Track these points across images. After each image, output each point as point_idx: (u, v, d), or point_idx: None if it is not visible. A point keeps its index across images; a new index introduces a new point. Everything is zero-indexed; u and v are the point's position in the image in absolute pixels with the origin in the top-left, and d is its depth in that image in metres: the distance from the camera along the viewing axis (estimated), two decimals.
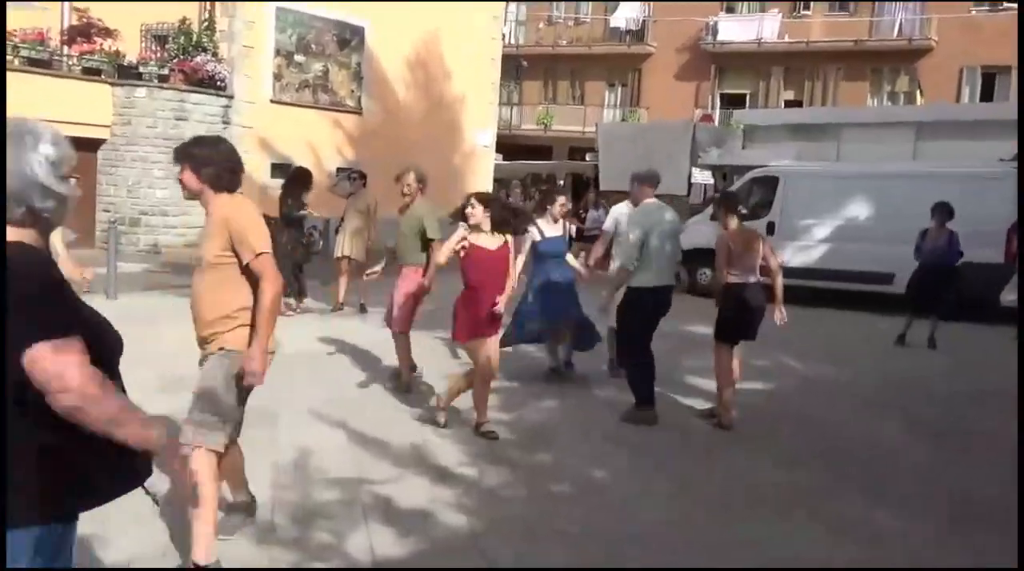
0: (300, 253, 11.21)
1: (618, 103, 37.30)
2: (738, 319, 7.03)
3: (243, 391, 3.95)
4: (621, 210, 8.48)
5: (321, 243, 16.91)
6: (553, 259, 8.01)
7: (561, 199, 8.26)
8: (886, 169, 15.31)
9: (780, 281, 7.18)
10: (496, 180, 25.43)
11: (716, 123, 29.84)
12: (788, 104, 32.38)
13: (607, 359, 8.64)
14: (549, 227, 8.05)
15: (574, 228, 19.03)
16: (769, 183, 15.69)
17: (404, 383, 7.62)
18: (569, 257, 8.34)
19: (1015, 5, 26.94)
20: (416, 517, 4.79)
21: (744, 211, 7.31)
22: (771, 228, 15.13)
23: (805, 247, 14.99)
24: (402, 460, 5.72)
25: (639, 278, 6.82)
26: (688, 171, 21.02)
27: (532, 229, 7.88)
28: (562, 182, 29.81)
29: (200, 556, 3.78)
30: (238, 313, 3.89)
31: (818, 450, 6.50)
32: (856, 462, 6.23)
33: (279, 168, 19.65)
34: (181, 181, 3.94)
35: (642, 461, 6.04)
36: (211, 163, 3.88)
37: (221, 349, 3.91)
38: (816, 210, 15.06)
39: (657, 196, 7.24)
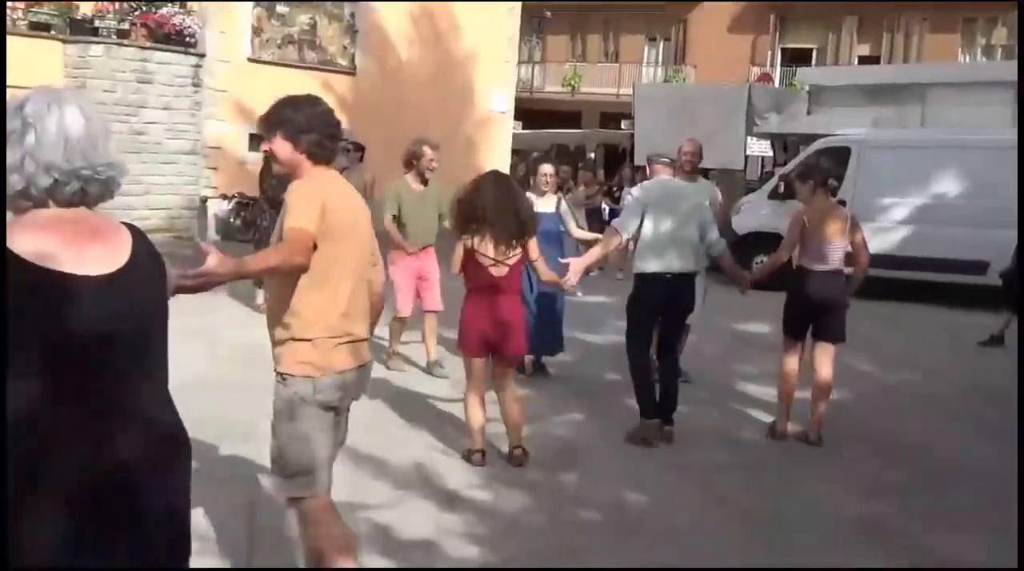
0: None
1: (659, 60, 37.24)
2: (804, 310, 7.06)
3: (311, 421, 3.68)
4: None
5: None
6: (542, 239, 7.64)
7: (545, 168, 8.66)
8: (980, 138, 15.18)
9: (861, 275, 7.21)
10: (515, 152, 25.45)
11: (776, 84, 29.82)
12: (863, 61, 32.24)
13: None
14: (538, 201, 8.22)
15: (607, 208, 19.06)
16: (839, 155, 15.56)
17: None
18: (575, 230, 8.65)
19: None
20: (419, 548, 4.82)
21: (835, 184, 7.39)
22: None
23: (883, 230, 14.89)
24: (404, 482, 5.76)
25: (639, 262, 6.96)
26: (744, 141, 20.99)
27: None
28: (592, 154, 29.86)
29: None
30: (290, 321, 3.67)
31: (899, 475, 6.48)
32: (945, 490, 6.21)
33: (258, 139, 19.72)
34: (271, 152, 3.80)
35: (686, 484, 6.05)
36: (312, 128, 3.73)
37: (277, 372, 3.74)
38: (896, 187, 14.97)
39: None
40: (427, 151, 8.16)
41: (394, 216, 8.55)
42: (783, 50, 34.46)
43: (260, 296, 11.13)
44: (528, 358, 8.52)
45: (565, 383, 8.34)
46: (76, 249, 2.15)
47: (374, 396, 7.71)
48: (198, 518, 4.95)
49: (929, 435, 7.48)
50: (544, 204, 8.36)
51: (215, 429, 6.46)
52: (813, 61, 33.15)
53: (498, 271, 6.03)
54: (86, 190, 2.22)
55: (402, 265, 8.57)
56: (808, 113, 21.53)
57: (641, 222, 6.84)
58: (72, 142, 2.19)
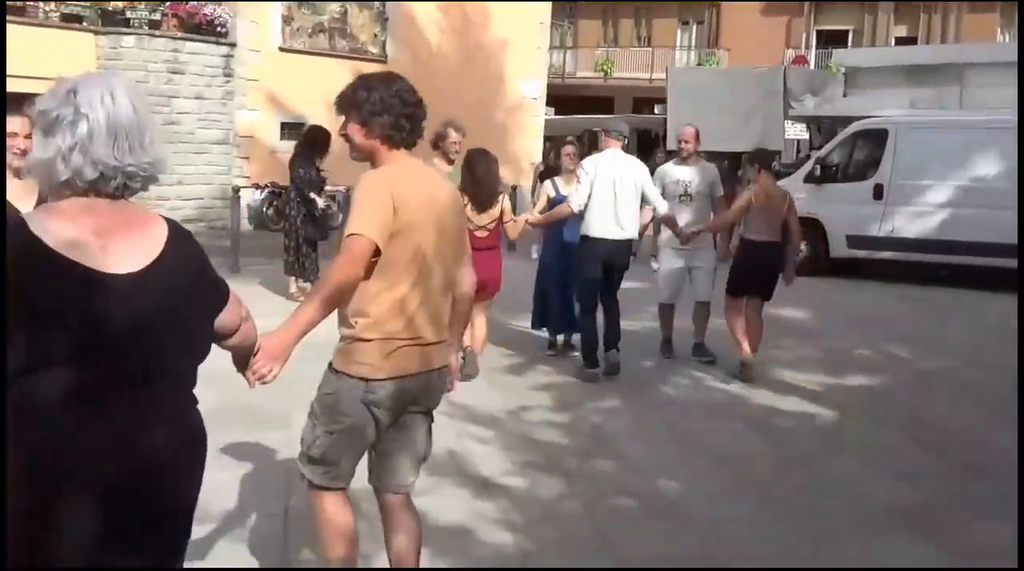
0: (311, 228, 11.26)
1: (692, 44, 37.01)
2: (747, 274, 8.24)
3: (340, 422, 3.54)
4: (665, 171, 9.14)
5: (341, 216, 17.07)
6: (565, 222, 8.51)
7: (567, 149, 9.17)
8: (1019, 119, 14.97)
9: (797, 245, 8.58)
10: (547, 138, 25.40)
11: (811, 66, 29.58)
12: (900, 41, 31.89)
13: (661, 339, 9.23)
14: (564, 184, 8.82)
15: None
16: (876, 137, 15.47)
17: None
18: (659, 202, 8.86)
19: None
20: (455, 535, 4.85)
21: (778, 168, 8.35)
22: (879, 191, 14.95)
23: (920, 214, 14.77)
24: (438, 468, 5.77)
25: (586, 226, 7.96)
26: (782, 122, 20.87)
27: (547, 184, 9.11)
28: (626, 139, 29.69)
29: None
30: (354, 319, 3.44)
31: (936, 461, 6.44)
32: (982, 477, 6.16)
33: (290, 127, 19.86)
34: (347, 138, 3.58)
35: (722, 471, 6.04)
36: (387, 110, 3.49)
37: (330, 365, 3.59)
38: (934, 170, 14.80)
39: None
40: (451, 133, 8.20)
41: None
42: (818, 32, 34.16)
43: (293, 285, 11.20)
44: (559, 338, 9.13)
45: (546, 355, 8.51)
46: (106, 242, 2.14)
47: None
48: (232, 506, 5.02)
49: (967, 422, 7.42)
50: (570, 187, 8.54)
51: (248, 417, 6.53)
52: (849, 42, 32.85)
53: (480, 233, 7.47)
54: (129, 185, 2.23)
55: None
56: (844, 95, 21.40)
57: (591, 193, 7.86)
58: (121, 137, 2.18)
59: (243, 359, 2.83)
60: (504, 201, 7.80)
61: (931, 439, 6.92)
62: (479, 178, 7.58)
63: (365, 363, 3.42)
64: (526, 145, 24.64)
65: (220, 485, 5.28)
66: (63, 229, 2.11)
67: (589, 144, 26.21)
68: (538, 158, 21.94)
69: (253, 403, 6.84)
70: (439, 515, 5.07)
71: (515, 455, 6.11)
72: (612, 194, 7.83)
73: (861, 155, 15.71)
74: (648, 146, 26.35)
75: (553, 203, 8.67)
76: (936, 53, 23.80)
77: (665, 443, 6.53)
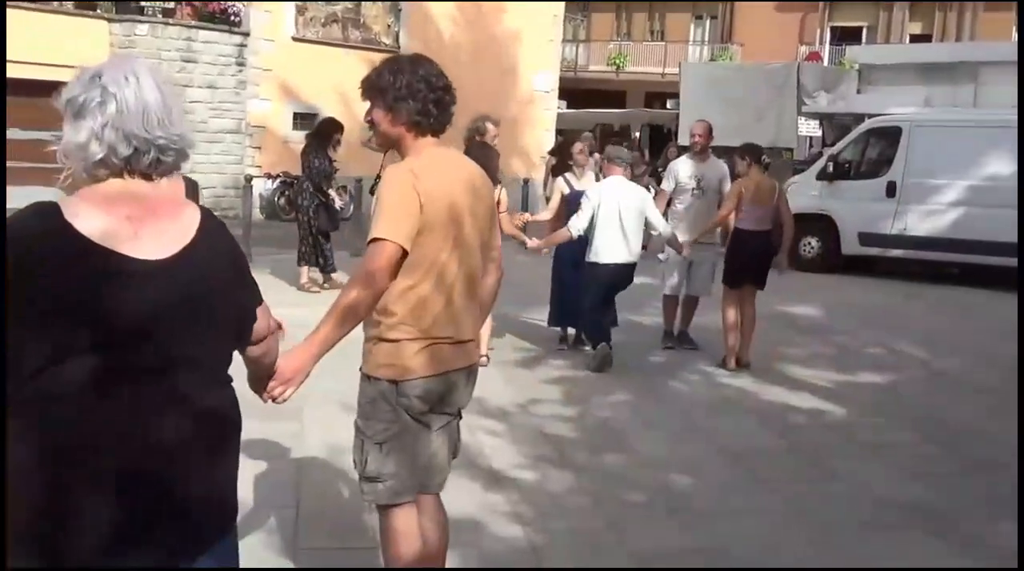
0: (323, 219, 11.26)
1: (706, 39, 36.94)
2: (741, 264, 8.44)
3: (385, 431, 3.40)
4: (678, 166, 9.30)
5: (352, 207, 17.08)
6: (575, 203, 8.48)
7: (579, 146, 9.21)
8: None
9: (789, 234, 8.68)
10: (559, 132, 25.39)
11: (825, 62, 29.49)
12: (914, 39, 31.78)
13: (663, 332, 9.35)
14: (577, 179, 8.89)
15: (652, 190, 18.95)
16: (890, 135, 15.42)
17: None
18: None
19: None
20: (464, 527, 4.83)
21: (767, 160, 8.78)
22: (891, 189, 14.90)
23: (933, 213, 14.71)
24: None
25: (592, 252, 8.08)
26: (796, 119, 20.82)
27: (559, 181, 9.02)
28: (637, 134, 29.72)
29: None
30: (380, 318, 3.32)
31: (947, 459, 6.42)
32: (993, 476, 6.14)
33: (302, 117, 19.88)
34: (371, 124, 3.45)
35: (734, 467, 6.03)
36: (413, 95, 3.32)
37: (361, 371, 3.47)
38: (948, 168, 14.74)
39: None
40: (490, 128, 8.19)
41: None
42: (832, 28, 34.05)
43: (304, 275, 11.21)
44: (570, 331, 9.05)
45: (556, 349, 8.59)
46: (138, 228, 2.13)
47: None
48: (243, 498, 5.02)
49: (978, 420, 7.39)
50: (583, 183, 8.66)
51: (259, 409, 6.52)
52: (863, 39, 32.72)
53: None
54: (161, 159, 2.22)
55: None
56: (858, 92, 21.32)
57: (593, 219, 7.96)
58: (150, 112, 2.20)
59: (259, 377, 2.78)
60: (500, 193, 7.57)
61: (942, 437, 6.90)
62: None
63: (393, 364, 3.31)
64: (538, 138, 24.62)
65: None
66: (96, 214, 2.10)
67: (601, 139, 26.25)
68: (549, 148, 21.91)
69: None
70: (449, 508, 5.05)
71: (525, 448, 6.11)
72: (618, 219, 7.94)
73: (874, 153, 15.66)
74: (660, 141, 26.30)
75: (568, 199, 8.66)
76: (951, 51, 23.73)
77: (675, 438, 6.52)
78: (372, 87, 3.38)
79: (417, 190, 3.19)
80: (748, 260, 8.43)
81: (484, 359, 7.52)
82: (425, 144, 3.37)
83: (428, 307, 3.28)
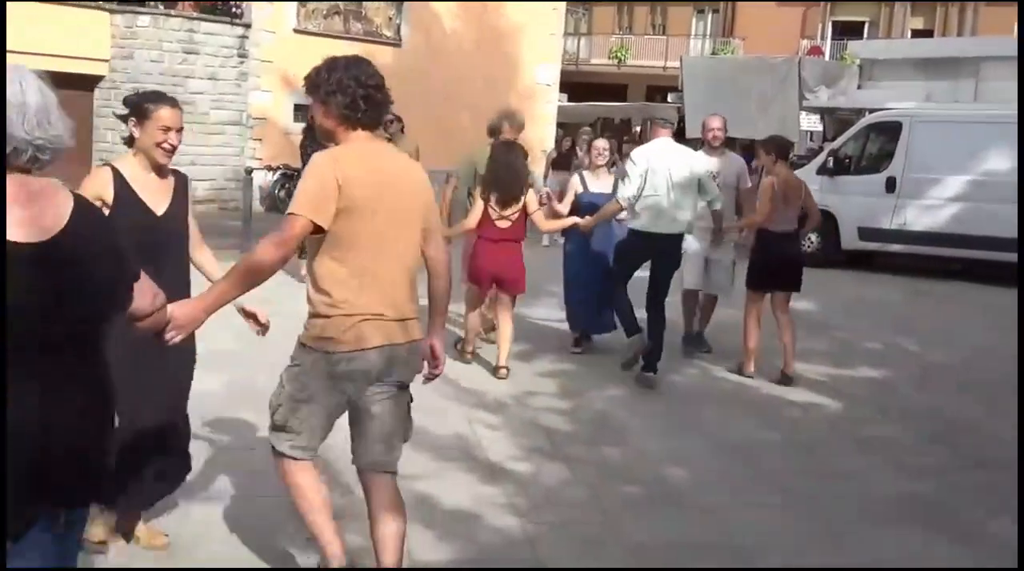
0: None
1: (707, 33, 36.91)
2: (771, 268, 7.92)
3: (303, 392, 3.66)
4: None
5: None
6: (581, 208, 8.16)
7: (600, 144, 8.69)
8: None
9: (810, 229, 8.52)
10: (560, 125, 25.38)
11: (826, 57, 29.45)
12: (915, 34, 31.76)
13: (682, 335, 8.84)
14: (593, 179, 8.45)
15: None
16: (890, 130, 15.43)
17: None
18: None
19: None
20: (460, 519, 4.86)
21: (795, 156, 8.14)
22: (891, 184, 14.91)
23: (933, 208, 14.72)
24: (445, 453, 5.80)
25: (637, 221, 7.53)
26: (797, 114, 20.80)
27: (573, 178, 8.67)
28: (638, 128, 29.70)
29: None
30: (315, 297, 3.61)
31: (943, 454, 6.44)
32: (988, 470, 6.16)
33: (304, 110, 19.83)
34: (315, 118, 3.71)
35: (730, 461, 6.05)
36: (343, 90, 3.57)
37: (299, 339, 3.71)
38: (948, 163, 14.74)
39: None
40: (505, 126, 8.20)
41: (468, 188, 8.36)
42: (834, 23, 34.01)
43: (304, 267, 11.23)
44: (574, 335, 8.72)
45: (606, 358, 8.32)
46: (14, 212, 2.26)
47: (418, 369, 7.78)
48: (237, 488, 5.05)
49: (975, 415, 7.41)
50: (600, 184, 8.37)
51: (256, 400, 6.54)
52: (865, 34, 32.70)
53: (504, 224, 7.50)
54: (39, 157, 2.38)
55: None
56: (859, 87, 21.30)
57: (643, 186, 7.39)
58: (30, 115, 2.35)
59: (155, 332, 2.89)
60: (530, 193, 7.55)
61: (939, 431, 6.92)
62: (498, 175, 7.45)
63: (327, 337, 3.53)
64: (539, 132, 24.57)
65: (226, 467, 5.32)
66: None
67: (602, 132, 26.24)
68: (550, 145, 21.90)
69: (261, 387, 6.85)
70: (445, 499, 5.09)
71: (522, 441, 6.13)
72: (666, 186, 7.35)
73: (874, 148, 15.66)
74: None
75: (581, 202, 8.24)
76: (952, 46, 23.68)
77: (672, 431, 6.53)
78: (311, 82, 3.69)
79: (336, 174, 3.44)
80: (777, 265, 7.90)
81: (504, 371, 7.57)
82: (356, 137, 3.61)
83: (358, 285, 3.52)
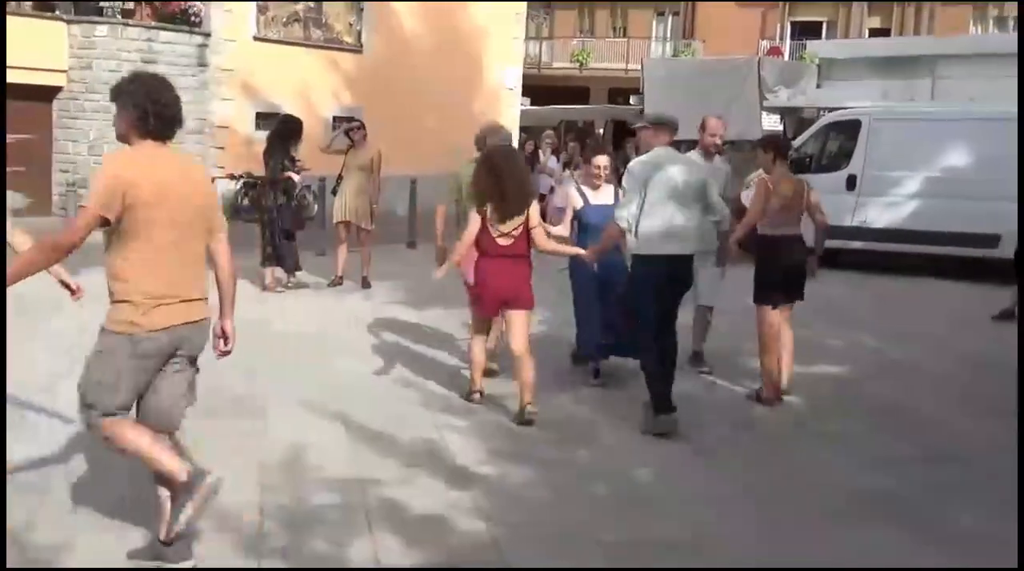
0: (287, 218, 11.23)
1: (668, 35, 37.13)
2: (777, 276, 7.32)
3: (122, 365, 4.06)
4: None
5: (316, 207, 17.04)
6: (595, 233, 7.18)
7: (601, 160, 7.69)
8: (991, 111, 15.12)
9: (822, 235, 7.66)
10: (523, 129, 25.43)
11: (786, 57, 29.68)
12: (873, 33, 32.10)
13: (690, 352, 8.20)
14: (593, 193, 7.61)
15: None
16: (849, 128, 15.57)
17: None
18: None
19: None
20: (428, 523, 4.87)
21: (794, 155, 7.49)
22: (851, 182, 15.04)
23: (893, 205, 14.88)
24: (412, 458, 5.81)
25: (639, 244, 6.53)
26: (759, 110, 20.98)
27: (572, 192, 7.72)
28: (601, 130, 29.79)
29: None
30: (113, 285, 4.07)
31: (906, 448, 6.50)
32: (951, 464, 6.23)
33: (265, 118, 19.77)
34: (114, 120, 4.18)
35: (694, 459, 6.09)
36: (138, 103, 4.06)
37: (101, 326, 4.13)
38: (906, 160, 14.91)
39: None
40: (492, 141, 7.52)
41: (456, 201, 7.82)
42: (793, 23, 34.30)
43: (269, 275, 11.18)
44: (593, 366, 7.84)
45: (574, 360, 8.36)
46: None
47: (384, 374, 7.78)
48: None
49: (934, 410, 7.48)
50: (600, 197, 7.53)
51: (222, 407, 6.54)
52: (823, 34, 32.99)
53: (504, 241, 6.60)
54: None
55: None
56: (818, 86, 21.48)
57: (642, 202, 6.46)
58: None
59: None
60: (533, 206, 6.67)
61: (899, 426, 6.99)
62: (503, 188, 6.51)
63: (129, 321, 3.99)
64: None
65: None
66: None
67: (565, 135, 26.32)
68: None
69: (228, 394, 6.87)
70: (414, 504, 5.10)
71: (489, 444, 6.14)
72: (669, 201, 6.46)
73: (834, 146, 15.80)
74: (624, 137, 26.40)
75: (582, 221, 7.52)
76: (908, 45, 23.93)
77: (637, 434, 6.55)
78: (116, 89, 4.16)
79: (121, 173, 3.94)
80: (781, 272, 7.29)
81: (531, 408, 6.55)
82: (145, 144, 4.11)
83: (151, 273, 4.01)
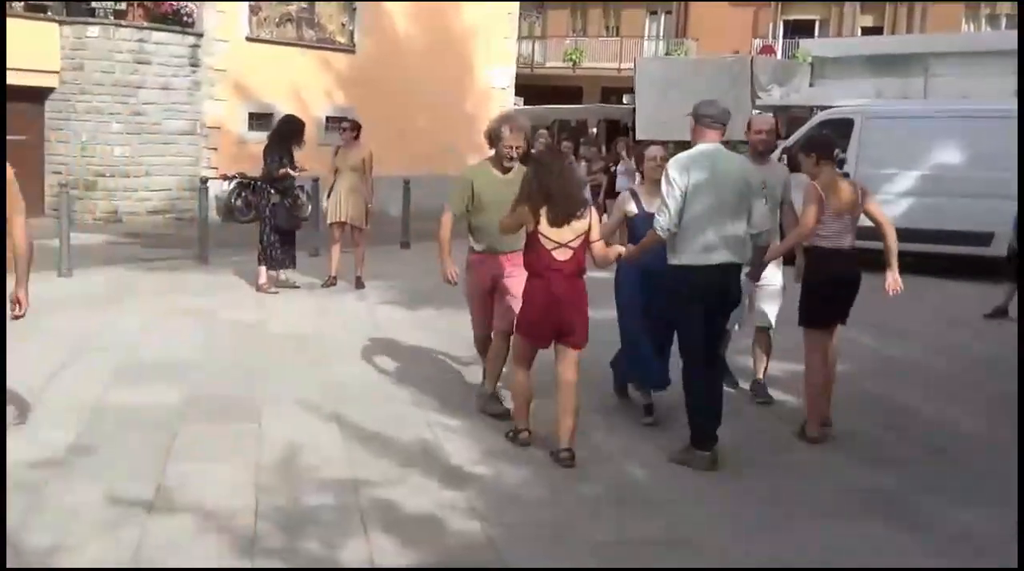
0: (283, 218, 11.21)
1: (661, 34, 37.17)
2: (823, 294, 6.50)
3: None
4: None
5: (309, 207, 17.03)
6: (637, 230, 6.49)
7: (655, 151, 6.72)
8: (984, 108, 15.15)
9: (892, 242, 6.76)
10: None
11: (778, 56, 29.71)
12: (866, 32, 32.14)
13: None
14: (648, 198, 6.51)
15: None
16: (842, 126, 15.56)
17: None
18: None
19: None
20: (422, 524, 4.87)
21: (841, 156, 6.61)
22: None
23: (885, 203, 14.61)
24: (407, 459, 5.81)
25: (680, 254, 5.82)
26: (750, 112, 21.00)
27: (626, 196, 6.82)
28: (595, 130, 29.83)
29: None
30: None
31: (900, 446, 6.51)
32: (946, 461, 6.25)
33: (258, 118, 19.79)
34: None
35: None
36: None
37: None
38: (899, 158, 14.92)
39: (725, 142, 6.15)
40: (505, 133, 6.45)
41: (468, 210, 6.63)
42: (785, 22, 34.33)
43: (263, 275, 11.16)
44: (644, 401, 6.89)
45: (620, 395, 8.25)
46: None
47: (379, 375, 7.77)
48: (200, 499, 5.02)
49: (929, 407, 7.50)
50: (657, 202, 5.97)
51: (217, 410, 6.54)
52: (816, 33, 33.04)
53: (561, 254, 5.73)
54: None
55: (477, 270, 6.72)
56: (811, 85, 21.53)
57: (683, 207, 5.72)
58: None
59: None
60: (592, 215, 5.84)
61: (894, 424, 7.01)
62: (550, 192, 5.66)
63: None
64: None
65: (188, 478, 5.30)
66: None
67: (558, 135, 26.33)
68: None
69: (222, 396, 6.87)
70: (408, 504, 5.10)
71: (482, 444, 6.13)
72: (715, 204, 5.73)
73: None
74: (617, 136, 26.43)
75: (634, 224, 6.59)
76: (901, 43, 24.01)
77: (630, 432, 6.55)
78: None
79: None
80: (830, 288, 6.50)
81: (567, 456, 5.77)
82: None
83: None
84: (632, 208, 6.60)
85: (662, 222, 5.72)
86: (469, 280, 6.75)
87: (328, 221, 11.88)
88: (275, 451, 5.82)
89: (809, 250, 6.58)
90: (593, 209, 5.89)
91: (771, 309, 7.37)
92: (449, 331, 9.14)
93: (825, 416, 6.55)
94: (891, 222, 6.73)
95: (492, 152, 6.62)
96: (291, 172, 11.06)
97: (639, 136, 21.15)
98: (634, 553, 4.65)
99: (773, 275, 7.18)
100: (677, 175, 5.71)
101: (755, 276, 6.54)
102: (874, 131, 15.16)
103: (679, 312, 5.96)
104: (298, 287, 11.51)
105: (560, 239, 5.69)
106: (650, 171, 6.61)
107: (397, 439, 6.14)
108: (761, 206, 5.98)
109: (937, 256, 14.50)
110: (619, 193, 9.01)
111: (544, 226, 5.67)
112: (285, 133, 11.21)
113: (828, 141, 6.87)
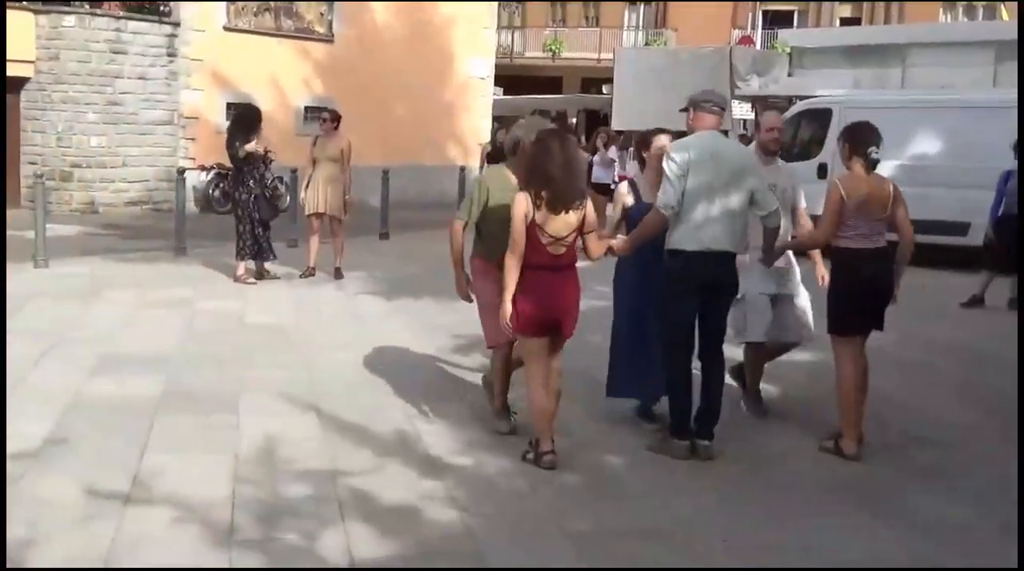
0: (262, 209, 11.18)
1: (640, 25, 37.18)
2: (852, 297, 6.13)
3: None
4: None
5: (288, 197, 16.97)
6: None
7: (663, 140, 6.25)
8: (961, 98, 15.24)
9: (908, 250, 6.38)
10: (496, 118, 25.40)
11: (757, 46, 29.76)
12: (844, 22, 32.24)
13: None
14: (649, 189, 6.24)
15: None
16: (821, 117, 15.64)
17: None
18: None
19: None
20: (401, 514, 4.86)
21: (875, 156, 6.21)
22: (823, 170, 15.10)
23: None
24: (385, 449, 5.80)
25: (675, 236, 5.77)
26: (729, 101, 21.06)
27: (625, 187, 6.53)
28: (574, 120, 29.82)
29: None
30: None
31: (880, 435, 6.52)
32: (925, 450, 6.28)
33: (236, 108, 19.68)
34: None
35: None
36: None
37: None
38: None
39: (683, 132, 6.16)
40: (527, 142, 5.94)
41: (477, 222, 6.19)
42: (764, 12, 34.39)
43: (241, 267, 11.12)
44: (628, 403, 6.67)
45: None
46: None
47: (357, 365, 7.76)
48: (177, 490, 5.00)
49: (905, 397, 7.53)
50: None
51: (195, 402, 6.51)
52: (794, 23, 33.12)
53: (556, 249, 5.49)
54: None
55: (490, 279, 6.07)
56: (789, 75, 21.57)
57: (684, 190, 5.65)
58: None
59: None
60: (588, 205, 5.56)
61: (872, 413, 7.02)
62: (550, 174, 5.36)
63: None
64: (474, 125, 24.60)
65: (165, 469, 5.28)
66: None
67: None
68: (486, 138, 21.92)
69: (199, 386, 6.84)
70: (386, 495, 5.09)
71: (461, 434, 6.13)
72: (714, 190, 5.67)
73: (806, 134, 15.87)
74: (596, 126, 26.45)
75: (632, 217, 6.26)
76: (879, 33, 24.10)
77: (611, 423, 6.56)
78: None
79: None
80: (859, 290, 6.07)
81: (551, 458, 5.55)
82: None
83: None
84: (630, 200, 6.35)
85: (665, 199, 5.64)
86: (481, 288, 6.28)
87: (306, 212, 11.82)
88: (253, 442, 5.80)
89: (836, 251, 6.13)
90: (589, 201, 5.60)
91: (801, 321, 6.96)
92: (428, 321, 9.14)
93: (859, 432, 6.12)
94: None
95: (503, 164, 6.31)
96: (254, 147, 11.01)
97: (615, 126, 21.16)
98: (614, 544, 4.65)
99: (796, 286, 6.90)
100: (678, 155, 5.68)
101: (768, 262, 6.35)
102: (852, 121, 15.16)
103: (666, 293, 5.85)
104: (277, 278, 11.47)
105: (556, 234, 5.42)
106: (656, 160, 6.18)
107: (376, 429, 6.13)
108: (767, 192, 5.90)
109: (917, 245, 14.55)
110: (596, 184, 9.07)
111: (540, 217, 5.38)
112: (243, 122, 11.25)
113: (862, 135, 6.34)
